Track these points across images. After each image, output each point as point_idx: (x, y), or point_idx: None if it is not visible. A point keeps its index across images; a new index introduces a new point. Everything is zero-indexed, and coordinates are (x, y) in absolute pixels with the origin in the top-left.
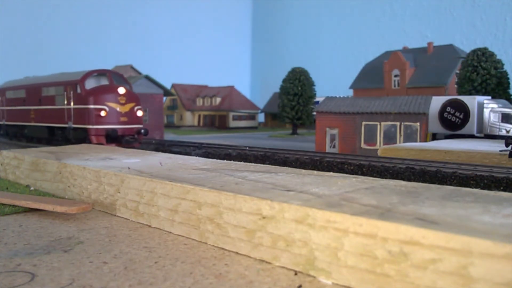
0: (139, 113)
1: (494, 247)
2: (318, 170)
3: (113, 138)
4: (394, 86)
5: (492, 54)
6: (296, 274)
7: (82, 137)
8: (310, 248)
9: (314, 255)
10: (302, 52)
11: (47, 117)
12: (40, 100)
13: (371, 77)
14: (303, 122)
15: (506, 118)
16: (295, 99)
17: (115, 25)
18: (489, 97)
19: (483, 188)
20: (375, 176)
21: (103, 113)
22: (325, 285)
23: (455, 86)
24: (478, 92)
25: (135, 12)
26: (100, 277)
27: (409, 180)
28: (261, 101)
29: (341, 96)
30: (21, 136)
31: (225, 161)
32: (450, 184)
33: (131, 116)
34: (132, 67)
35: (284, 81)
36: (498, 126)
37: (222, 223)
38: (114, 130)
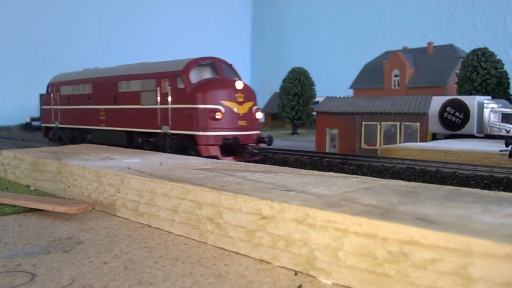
0: (259, 115)
1: (494, 247)
2: (318, 170)
3: (231, 149)
4: (394, 86)
5: (492, 54)
6: (296, 274)
7: (182, 146)
8: (310, 248)
9: (314, 255)
10: (302, 52)
11: (127, 119)
12: (115, 98)
13: (371, 77)
14: (303, 122)
15: (506, 118)
16: (295, 99)
17: (115, 25)
18: (489, 97)
19: (483, 188)
20: (375, 176)
21: (218, 115)
22: (325, 285)
23: (455, 86)
24: (478, 92)
25: (135, 12)
26: (100, 277)
27: (409, 180)
28: (261, 101)
29: (341, 96)
30: (83, 142)
31: (225, 161)
32: (450, 184)
33: (250, 119)
34: None
35: (284, 81)
36: (498, 126)
37: (222, 223)
38: (235, 138)
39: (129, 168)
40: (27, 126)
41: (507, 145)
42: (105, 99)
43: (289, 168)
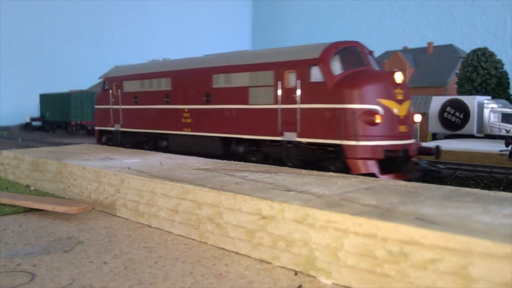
0: (418, 118)
1: (494, 247)
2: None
3: (391, 164)
4: None
5: (492, 54)
6: (296, 274)
7: (316, 159)
8: (310, 248)
9: (314, 255)
10: None
11: (225, 122)
12: (208, 95)
13: None
14: None
15: (506, 118)
16: None
17: (115, 26)
18: (489, 97)
19: (483, 188)
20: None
21: (377, 119)
22: (325, 285)
23: (455, 86)
24: (478, 92)
25: (135, 12)
26: (100, 277)
27: (409, 180)
28: None
29: None
30: (155, 149)
31: (225, 161)
32: (450, 184)
33: (409, 123)
34: None
35: None
36: (498, 126)
37: (222, 223)
38: (405, 149)
39: (129, 168)
40: (27, 126)
41: (507, 145)
42: (192, 97)
43: (289, 168)
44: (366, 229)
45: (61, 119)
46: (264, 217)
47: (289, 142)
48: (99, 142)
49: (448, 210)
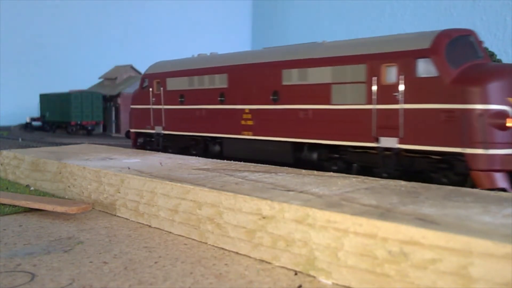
0: None
1: (494, 247)
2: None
3: None
4: None
5: (492, 54)
6: (296, 274)
7: (422, 169)
8: (310, 248)
9: (314, 255)
10: None
11: (298, 125)
12: (276, 94)
13: None
14: None
15: None
16: None
17: (114, 25)
18: None
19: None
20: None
21: (509, 122)
22: (325, 285)
23: None
24: None
25: (134, 12)
26: (100, 277)
27: (409, 179)
28: None
29: None
30: (206, 155)
31: (225, 161)
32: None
33: None
34: (132, 67)
35: None
36: None
37: (222, 223)
38: None
39: (129, 168)
40: (27, 126)
41: None
42: (254, 96)
43: (289, 168)
44: (366, 229)
45: (61, 119)
46: (264, 217)
47: (387, 149)
48: (135, 146)
49: (448, 210)
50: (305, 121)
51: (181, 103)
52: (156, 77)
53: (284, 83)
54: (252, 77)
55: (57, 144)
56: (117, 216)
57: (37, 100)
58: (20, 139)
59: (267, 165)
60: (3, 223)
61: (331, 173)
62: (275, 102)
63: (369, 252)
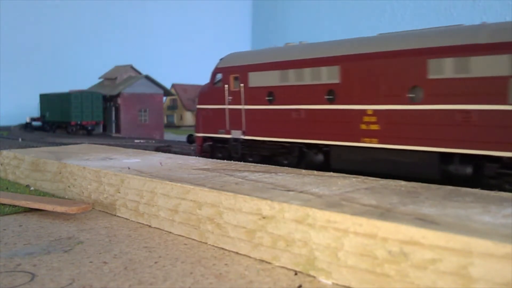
0: None
1: (494, 247)
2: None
3: None
4: None
5: None
6: (296, 274)
7: None
8: (310, 248)
9: (314, 255)
10: None
11: (449, 131)
12: (416, 90)
13: None
14: None
15: None
16: None
17: (114, 25)
18: None
19: (483, 188)
20: (375, 176)
21: None
22: (325, 285)
23: None
24: None
25: (134, 12)
26: (100, 277)
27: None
28: None
29: None
30: (303, 167)
31: (225, 161)
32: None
33: None
34: (132, 67)
35: None
36: None
37: (222, 223)
38: None
39: (129, 168)
40: (27, 126)
41: None
42: (383, 93)
43: (289, 168)
44: (366, 229)
45: (61, 119)
46: (264, 217)
47: None
48: (200, 153)
49: (448, 210)
50: (464, 126)
51: (270, 102)
52: (234, 71)
53: (431, 76)
54: (379, 69)
55: (57, 144)
56: (117, 216)
57: (37, 100)
58: (20, 139)
59: (267, 165)
60: (3, 223)
61: (331, 173)
62: (414, 101)
63: (369, 252)
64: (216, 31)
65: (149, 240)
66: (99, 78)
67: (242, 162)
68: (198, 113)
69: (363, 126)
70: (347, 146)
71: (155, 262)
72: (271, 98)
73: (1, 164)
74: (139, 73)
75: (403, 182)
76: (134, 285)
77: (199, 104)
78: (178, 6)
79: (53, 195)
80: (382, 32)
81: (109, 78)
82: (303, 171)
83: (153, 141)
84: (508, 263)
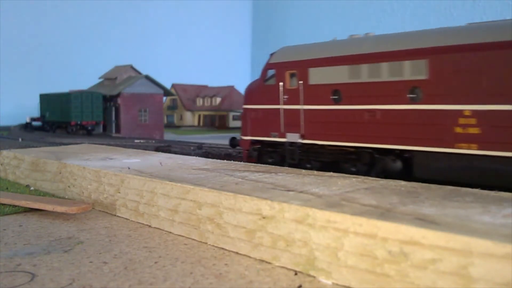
0: None
1: (494, 247)
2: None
3: None
4: None
5: None
6: (296, 274)
7: None
8: (310, 248)
9: (314, 255)
10: None
11: None
12: None
13: None
14: None
15: None
16: None
17: (114, 25)
18: None
19: (482, 188)
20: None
21: None
22: (325, 285)
23: None
24: None
25: (134, 12)
26: (100, 277)
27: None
28: None
29: None
30: (368, 174)
31: (225, 161)
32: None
33: None
34: (132, 67)
35: None
36: None
37: (222, 223)
38: None
39: (129, 168)
40: (27, 126)
41: None
42: (485, 91)
43: (289, 168)
44: (366, 229)
45: (61, 119)
46: (264, 217)
47: None
48: (248, 157)
49: (448, 210)
50: None
51: (335, 102)
52: (290, 67)
53: None
54: (483, 63)
55: (57, 144)
56: (117, 216)
57: (37, 100)
58: (20, 139)
59: (267, 165)
60: (3, 223)
61: (331, 173)
62: None
63: (369, 252)
64: (216, 31)
65: (149, 240)
66: (99, 78)
67: (242, 162)
68: (246, 114)
69: (459, 130)
70: (436, 152)
71: (155, 262)
72: (336, 97)
73: (1, 164)
74: (139, 73)
75: (403, 182)
76: (134, 285)
77: (247, 103)
78: (178, 6)
79: (53, 195)
80: (423, 29)
81: (109, 78)
82: (303, 171)
83: (153, 141)
84: (508, 263)
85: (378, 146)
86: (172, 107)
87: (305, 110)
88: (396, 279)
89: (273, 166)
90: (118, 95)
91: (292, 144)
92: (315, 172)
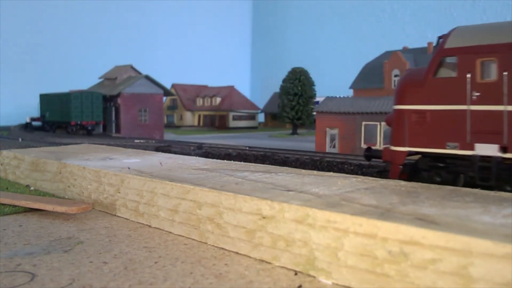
0: None
1: (494, 247)
2: (318, 170)
3: None
4: (394, 86)
5: None
6: (296, 274)
7: None
8: (310, 248)
9: (314, 255)
10: (302, 52)
11: None
12: None
13: (371, 77)
14: (303, 122)
15: None
16: (295, 99)
17: (115, 26)
18: None
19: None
20: (375, 176)
21: None
22: (325, 285)
23: None
24: None
25: (134, 12)
26: (100, 277)
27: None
28: (261, 101)
29: (341, 96)
30: None
31: (225, 161)
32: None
33: None
34: (132, 67)
35: (284, 81)
36: None
37: (222, 223)
38: None
39: (129, 168)
40: (27, 126)
41: None
42: None
43: (289, 168)
44: (366, 229)
45: (61, 119)
46: (264, 217)
47: None
48: (398, 175)
49: (448, 210)
50: None
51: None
52: (484, 52)
53: None
54: None
55: (57, 144)
56: (117, 216)
57: (37, 100)
58: (20, 139)
59: (267, 165)
60: (3, 223)
61: (331, 173)
62: None
63: (369, 252)
64: (216, 31)
65: (149, 240)
66: (99, 78)
67: (242, 162)
68: (401, 117)
69: None
70: None
71: (155, 262)
72: None
73: (1, 164)
74: (139, 73)
75: (403, 182)
76: (134, 285)
77: (402, 103)
78: (178, 6)
79: (53, 195)
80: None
81: (109, 78)
82: (303, 171)
83: (153, 141)
84: (508, 263)
85: None
86: (172, 107)
87: (510, 112)
88: (396, 279)
89: (273, 166)
90: (118, 95)
91: (484, 158)
92: (315, 172)
